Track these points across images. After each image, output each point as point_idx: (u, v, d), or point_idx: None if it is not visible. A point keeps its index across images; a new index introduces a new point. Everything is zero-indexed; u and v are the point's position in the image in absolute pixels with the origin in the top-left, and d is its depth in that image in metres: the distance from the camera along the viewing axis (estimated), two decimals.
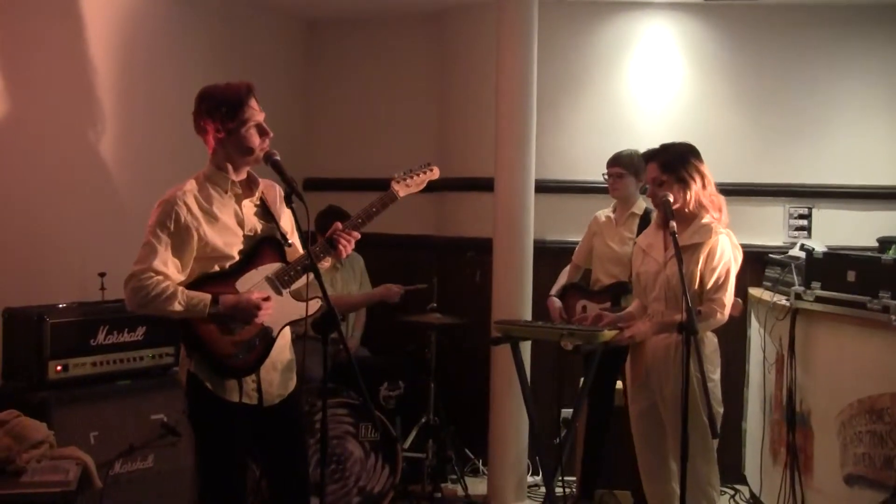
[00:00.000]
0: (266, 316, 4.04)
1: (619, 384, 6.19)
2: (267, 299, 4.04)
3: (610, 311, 5.37)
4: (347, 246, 4.21)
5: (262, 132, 4.09)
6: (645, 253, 5.02)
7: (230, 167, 4.12)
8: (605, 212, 6.38)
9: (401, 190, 4.43)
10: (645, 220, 6.11)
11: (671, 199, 4.74)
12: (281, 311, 4.13)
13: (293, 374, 4.36)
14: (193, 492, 5.25)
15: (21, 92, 5.36)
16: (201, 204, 4.04)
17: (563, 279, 6.47)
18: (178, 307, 3.89)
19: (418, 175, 4.51)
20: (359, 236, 4.27)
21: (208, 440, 4.13)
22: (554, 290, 6.40)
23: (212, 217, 4.04)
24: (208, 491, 4.20)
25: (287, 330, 4.26)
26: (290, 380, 4.33)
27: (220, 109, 4.04)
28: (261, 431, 4.19)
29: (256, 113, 4.09)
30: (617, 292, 6.12)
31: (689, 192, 4.79)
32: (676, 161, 4.81)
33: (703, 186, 4.83)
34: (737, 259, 4.83)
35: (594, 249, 6.34)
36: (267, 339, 4.13)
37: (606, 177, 6.25)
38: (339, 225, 4.24)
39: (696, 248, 4.73)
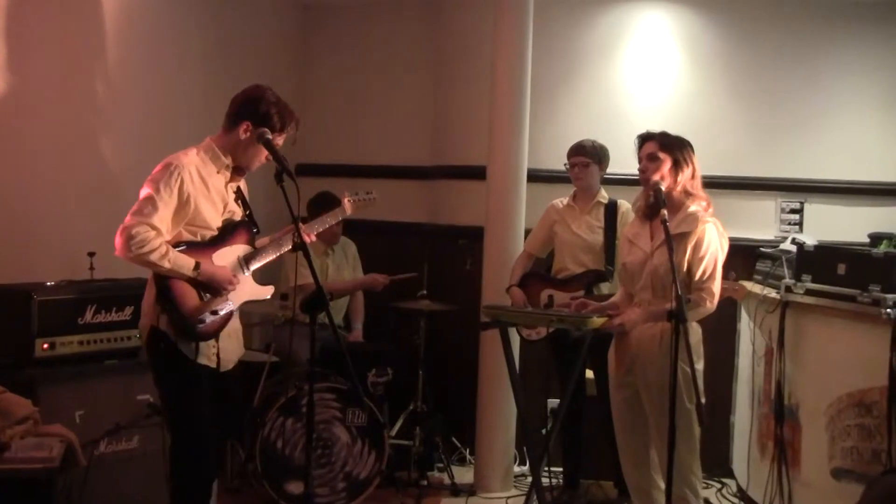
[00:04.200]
0: (232, 290, 4.43)
1: (588, 373, 6.24)
2: (236, 276, 4.44)
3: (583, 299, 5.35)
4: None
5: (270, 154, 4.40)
6: (632, 243, 5.01)
7: (230, 156, 4.45)
8: (562, 200, 6.42)
9: (348, 208, 5.18)
10: (610, 209, 6.17)
11: (662, 184, 4.73)
12: (242, 290, 4.52)
13: (241, 343, 4.74)
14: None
15: (13, 71, 5.32)
16: (201, 175, 4.35)
17: (519, 269, 6.43)
18: (167, 265, 4.18)
19: (363, 199, 5.25)
20: (314, 238, 4.82)
21: (176, 397, 4.43)
22: (514, 280, 6.35)
23: (206, 190, 4.36)
24: (181, 442, 4.44)
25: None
26: (239, 354, 4.69)
27: (266, 119, 4.38)
28: (212, 395, 4.46)
29: (280, 142, 4.44)
30: (590, 281, 6.10)
31: (680, 176, 4.80)
32: (675, 143, 4.84)
33: (693, 176, 4.85)
34: (723, 248, 4.82)
35: (558, 237, 6.32)
36: (228, 311, 4.47)
37: (569, 167, 6.26)
38: (301, 225, 4.54)
39: (683, 237, 4.72)
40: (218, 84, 5.99)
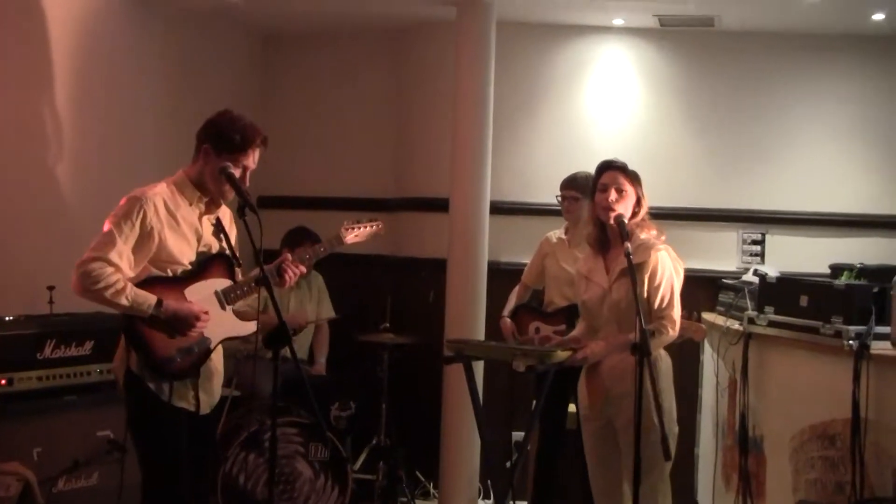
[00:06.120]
0: (202, 328, 4.19)
1: (571, 407, 6.17)
2: (206, 312, 4.19)
3: (563, 333, 5.34)
4: (292, 277, 4.47)
5: (242, 178, 4.25)
6: (587, 279, 4.94)
7: (199, 186, 4.28)
8: (556, 233, 6.36)
9: (348, 237, 4.87)
10: None
11: (625, 217, 4.72)
12: (221, 325, 4.30)
13: (221, 384, 4.51)
14: None
15: None
16: (168, 208, 4.18)
17: (513, 300, 6.43)
18: (124, 301, 4.00)
19: (365, 227, 4.95)
20: (305, 270, 4.56)
21: (148, 441, 4.21)
22: (506, 311, 6.35)
23: (174, 222, 4.20)
24: (152, 486, 4.24)
25: (223, 344, 4.40)
26: (218, 393, 4.48)
27: (226, 141, 4.20)
28: (191, 436, 4.27)
29: (252, 162, 4.28)
30: (571, 315, 6.08)
31: (640, 211, 4.79)
32: (638, 179, 4.81)
33: (644, 210, 4.83)
34: (679, 274, 4.78)
35: (547, 271, 6.31)
36: (204, 348, 4.26)
37: (560, 199, 6.22)
38: (288, 256, 4.50)
39: (638, 267, 4.64)
40: (178, 115, 5.97)
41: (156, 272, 4.16)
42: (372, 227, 4.98)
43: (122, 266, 4.03)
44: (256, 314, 4.27)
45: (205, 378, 4.30)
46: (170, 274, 4.20)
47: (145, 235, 4.09)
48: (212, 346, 4.28)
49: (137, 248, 4.09)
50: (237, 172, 4.21)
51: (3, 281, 5.39)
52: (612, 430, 4.85)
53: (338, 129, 8.06)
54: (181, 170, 4.33)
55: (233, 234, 4.45)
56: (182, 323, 4.13)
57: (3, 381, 4.78)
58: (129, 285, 4.02)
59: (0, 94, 5.47)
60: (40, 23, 5.72)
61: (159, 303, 4.07)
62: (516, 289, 6.48)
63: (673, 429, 4.74)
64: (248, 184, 4.26)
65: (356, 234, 4.90)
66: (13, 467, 4.39)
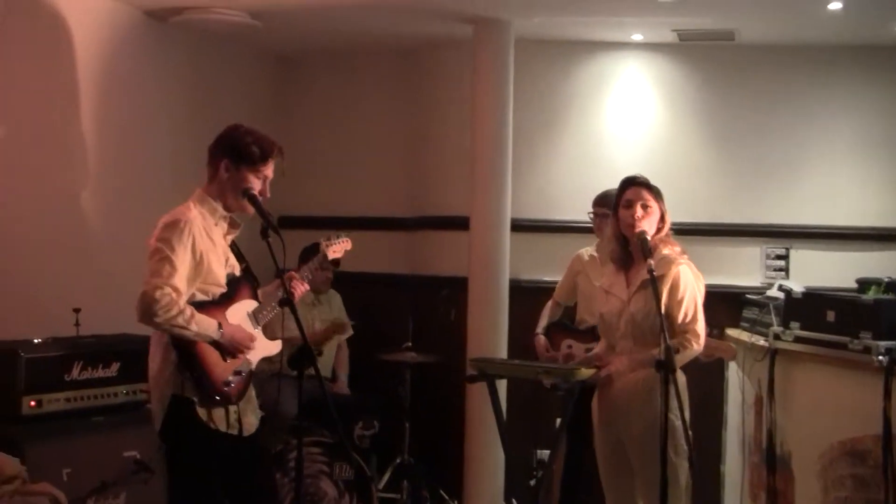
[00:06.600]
0: (254, 349, 4.21)
1: None
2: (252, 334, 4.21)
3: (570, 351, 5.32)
4: (298, 292, 4.43)
5: (263, 190, 4.23)
6: (607, 293, 4.94)
7: (221, 203, 4.22)
8: (588, 250, 6.30)
9: (329, 252, 4.80)
10: None
11: (648, 234, 4.70)
12: (258, 347, 4.30)
13: (258, 410, 4.45)
14: None
15: None
16: (205, 228, 4.14)
17: (545, 317, 6.40)
18: (193, 328, 3.95)
19: (338, 243, 4.84)
20: (307, 287, 4.54)
21: (189, 465, 4.13)
22: (539, 328, 6.32)
23: (212, 245, 4.15)
24: None
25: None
26: (257, 415, 4.41)
27: (245, 154, 4.17)
28: (235, 463, 4.21)
29: (270, 172, 4.25)
30: None
31: (664, 227, 4.78)
32: (661, 195, 4.80)
33: (667, 227, 4.82)
34: (700, 289, 4.76)
35: (579, 288, 6.27)
36: (248, 370, 4.25)
37: (592, 216, 6.19)
38: (293, 273, 4.47)
39: (658, 280, 4.65)
40: (196, 136, 5.98)
41: (200, 296, 4.12)
42: (343, 242, 4.89)
43: (183, 291, 3.98)
44: (280, 334, 4.30)
45: (245, 400, 4.27)
46: (209, 297, 4.15)
47: (196, 259, 4.05)
48: (253, 367, 4.28)
49: (192, 272, 4.04)
50: (257, 185, 4.19)
51: (30, 304, 5.43)
52: (623, 448, 4.82)
53: (354, 149, 8.07)
54: (199, 189, 4.25)
55: None
56: (239, 345, 4.14)
57: (33, 403, 4.83)
58: (194, 311, 3.98)
59: (26, 118, 5.52)
60: (66, 47, 5.78)
61: (219, 326, 4.06)
62: (548, 305, 6.42)
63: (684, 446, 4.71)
64: (269, 195, 4.24)
65: (335, 250, 4.83)
66: (44, 488, 4.40)
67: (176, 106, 6.71)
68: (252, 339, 4.19)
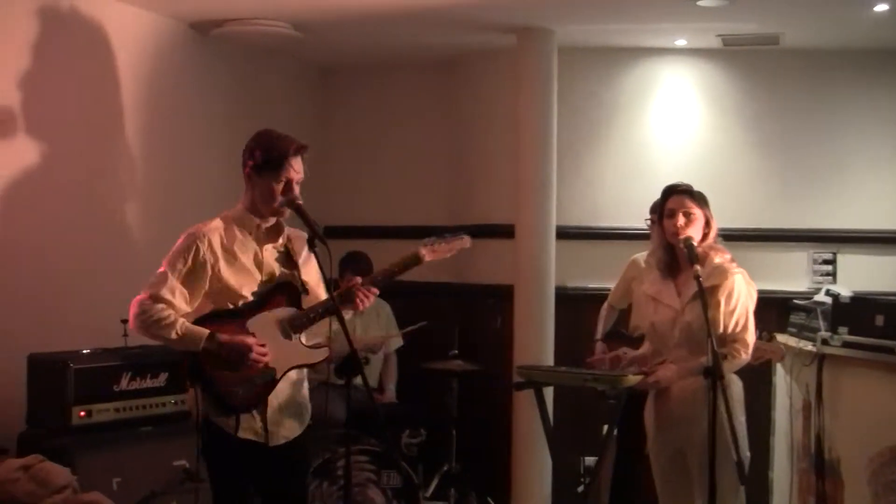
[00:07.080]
0: (259, 359, 4.09)
1: None
2: (263, 344, 4.10)
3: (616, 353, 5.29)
4: (365, 301, 4.28)
5: (288, 190, 4.17)
6: (656, 301, 4.91)
7: (255, 213, 4.22)
8: (644, 255, 6.27)
9: (427, 255, 4.43)
10: None
11: (694, 240, 4.69)
12: (286, 355, 4.20)
13: (304, 419, 4.41)
14: None
15: (38, 139, 5.38)
16: (223, 242, 4.15)
17: (602, 322, 6.36)
18: (174, 335, 3.98)
19: (448, 242, 4.49)
20: (377, 292, 4.32)
21: (216, 474, 4.24)
22: (598, 334, 6.29)
23: (231, 256, 4.16)
24: None
25: (297, 374, 4.31)
26: (300, 424, 4.38)
27: (263, 159, 4.14)
28: (264, 470, 4.24)
29: (294, 173, 4.18)
30: None
31: (710, 233, 4.76)
32: (705, 201, 4.78)
33: (714, 232, 4.80)
34: (752, 297, 4.75)
35: (634, 294, 6.24)
36: (269, 379, 4.16)
37: (649, 223, 6.17)
38: (358, 280, 4.32)
39: (713, 290, 4.61)
40: (239, 148, 6.05)
41: (215, 307, 4.15)
42: (458, 240, 4.51)
43: (175, 301, 4.04)
44: (327, 342, 4.22)
45: (275, 408, 4.21)
46: (231, 307, 4.15)
47: (198, 269, 4.08)
48: (277, 376, 4.18)
49: (191, 283, 4.08)
50: (279, 187, 4.14)
51: (80, 315, 5.50)
52: (682, 456, 4.80)
53: (396, 159, 8.12)
54: (239, 202, 4.28)
55: (311, 262, 4.33)
56: (235, 355, 4.05)
57: (83, 413, 4.87)
58: (182, 320, 4.01)
59: (71, 135, 5.60)
60: (109, 60, 5.84)
61: (211, 336, 4.02)
62: (604, 309, 6.40)
63: (745, 453, 4.69)
64: (296, 193, 4.18)
65: (435, 251, 4.43)
66: (95, 497, 4.44)
67: (218, 118, 6.75)
68: (251, 348, 4.06)
